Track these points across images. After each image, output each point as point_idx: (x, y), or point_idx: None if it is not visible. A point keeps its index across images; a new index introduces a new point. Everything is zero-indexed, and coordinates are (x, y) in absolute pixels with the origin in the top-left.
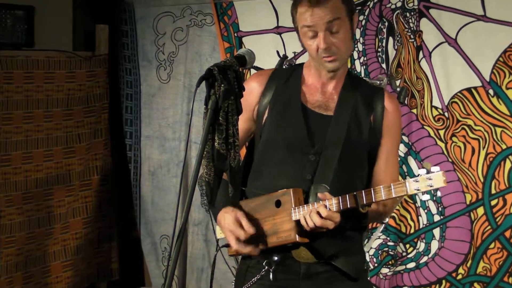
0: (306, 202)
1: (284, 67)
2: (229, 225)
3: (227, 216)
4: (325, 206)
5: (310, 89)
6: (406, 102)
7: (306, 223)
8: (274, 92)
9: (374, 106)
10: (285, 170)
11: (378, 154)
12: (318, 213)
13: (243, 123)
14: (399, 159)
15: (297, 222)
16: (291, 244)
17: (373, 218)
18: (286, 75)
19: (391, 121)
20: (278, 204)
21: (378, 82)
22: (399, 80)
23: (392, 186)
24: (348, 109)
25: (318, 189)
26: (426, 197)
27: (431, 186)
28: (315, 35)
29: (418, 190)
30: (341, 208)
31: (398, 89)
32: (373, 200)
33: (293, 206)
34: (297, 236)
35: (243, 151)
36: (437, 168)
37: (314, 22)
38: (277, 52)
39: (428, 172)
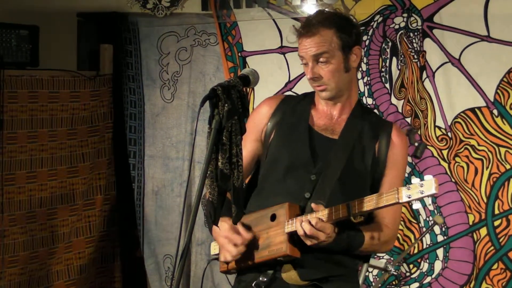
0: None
1: None
2: (225, 231)
3: (223, 224)
4: (318, 218)
5: (318, 113)
6: (421, 156)
7: (300, 231)
8: (283, 115)
9: (380, 135)
10: (284, 187)
11: (381, 186)
12: (310, 222)
13: (250, 143)
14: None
15: (290, 234)
16: (281, 257)
17: (368, 247)
18: (297, 100)
19: (396, 154)
20: (273, 217)
21: None
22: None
23: (384, 194)
24: (354, 134)
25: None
26: (417, 205)
27: (422, 193)
28: (306, 64)
29: (409, 197)
30: (333, 218)
31: (416, 143)
32: (364, 209)
33: (287, 219)
34: (288, 248)
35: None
36: (429, 176)
37: (303, 53)
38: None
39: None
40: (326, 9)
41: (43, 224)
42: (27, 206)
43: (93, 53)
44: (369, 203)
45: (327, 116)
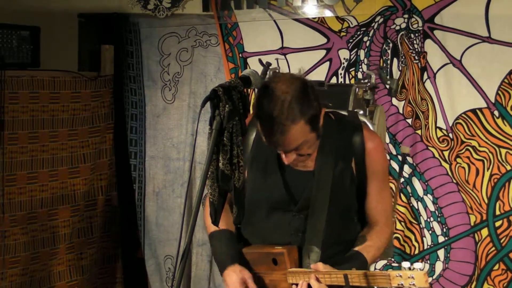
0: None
1: (267, 75)
2: (234, 285)
3: (234, 276)
4: (317, 279)
5: None
6: (397, 93)
7: None
8: (253, 144)
9: (354, 148)
10: (271, 226)
11: (367, 192)
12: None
13: None
14: (403, 180)
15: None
16: None
17: (374, 259)
18: None
19: (374, 159)
20: (274, 262)
21: (367, 80)
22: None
23: (377, 275)
24: (328, 164)
25: (310, 252)
26: None
27: (413, 285)
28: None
29: (401, 285)
30: (331, 282)
31: (388, 81)
32: (358, 284)
33: (289, 267)
34: None
35: None
36: (420, 265)
37: (277, 150)
38: (259, 60)
39: (411, 267)
40: (277, 88)
41: (44, 225)
42: (28, 207)
43: (94, 53)
44: (363, 279)
45: None
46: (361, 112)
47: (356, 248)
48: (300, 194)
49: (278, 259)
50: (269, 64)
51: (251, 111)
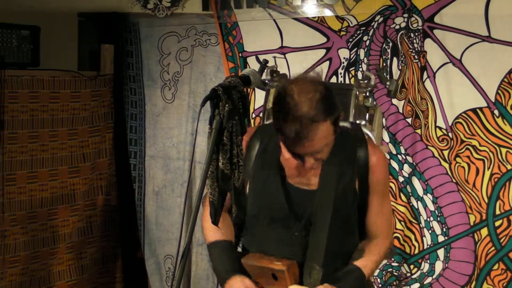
0: (300, 274)
1: (265, 72)
2: None
3: (236, 285)
4: None
5: (288, 163)
6: (397, 94)
7: None
8: (256, 159)
9: (358, 163)
10: (273, 239)
11: (369, 206)
12: None
13: None
14: (403, 179)
15: None
16: None
17: (373, 271)
18: (268, 134)
19: (377, 176)
20: (274, 277)
21: (366, 81)
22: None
23: None
24: (332, 180)
25: (311, 270)
26: None
27: None
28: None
29: None
30: None
31: (388, 83)
32: None
33: (289, 284)
34: None
35: None
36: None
37: (300, 152)
38: (256, 57)
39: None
40: (303, 88)
41: (44, 224)
42: (28, 206)
43: (94, 53)
44: None
45: (298, 166)
46: (363, 122)
47: (355, 263)
48: (303, 212)
49: (278, 275)
50: (266, 61)
51: (252, 116)
